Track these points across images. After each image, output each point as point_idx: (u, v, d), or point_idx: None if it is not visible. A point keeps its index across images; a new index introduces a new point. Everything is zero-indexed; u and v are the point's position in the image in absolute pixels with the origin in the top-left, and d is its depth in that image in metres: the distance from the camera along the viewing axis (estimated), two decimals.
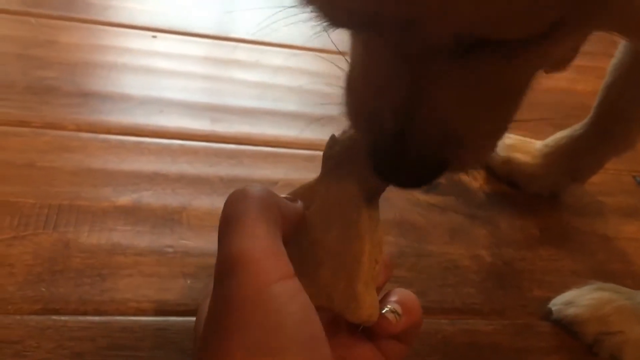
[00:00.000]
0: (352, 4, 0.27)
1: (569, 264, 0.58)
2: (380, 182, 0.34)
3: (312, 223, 0.34)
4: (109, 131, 0.59)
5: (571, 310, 0.49)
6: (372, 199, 0.34)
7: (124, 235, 0.48)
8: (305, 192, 0.36)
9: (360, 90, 0.32)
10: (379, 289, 0.36)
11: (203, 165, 0.58)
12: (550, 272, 0.56)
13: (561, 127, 0.65)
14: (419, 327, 0.36)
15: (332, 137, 0.37)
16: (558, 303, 0.50)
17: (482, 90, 0.30)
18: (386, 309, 0.34)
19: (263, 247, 0.29)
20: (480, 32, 0.26)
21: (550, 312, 0.51)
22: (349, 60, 0.33)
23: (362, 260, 0.32)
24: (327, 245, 0.33)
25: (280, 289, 0.28)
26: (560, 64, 0.43)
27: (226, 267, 0.28)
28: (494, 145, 0.34)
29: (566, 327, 0.50)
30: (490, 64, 0.29)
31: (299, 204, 0.35)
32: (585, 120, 0.61)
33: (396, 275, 0.51)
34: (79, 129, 0.58)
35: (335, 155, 0.36)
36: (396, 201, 0.60)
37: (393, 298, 0.35)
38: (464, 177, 0.65)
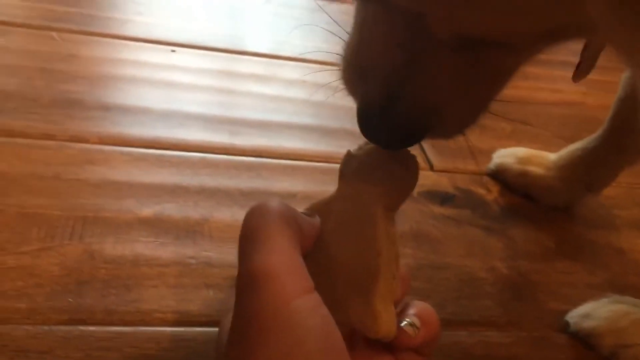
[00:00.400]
0: None
1: (584, 277, 0.58)
2: (398, 198, 0.35)
3: (329, 238, 0.35)
4: (131, 144, 0.60)
5: (588, 323, 0.50)
6: (388, 214, 0.35)
7: (147, 247, 0.49)
8: (322, 207, 0.36)
9: (359, 54, 0.34)
10: (397, 303, 0.37)
11: (223, 177, 0.59)
12: (565, 284, 0.57)
13: (572, 140, 0.66)
14: (437, 340, 0.37)
15: (348, 153, 0.38)
16: (575, 316, 0.51)
17: (472, 76, 0.32)
18: (405, 322, 0.35)
19: (284, 262, 0.29)
20: (482, 34, 0.28)
21: (567, 324, 0.51)
22: (352, 26, 0.35)
23: (378, 276, 0.33)
24: (344, 261, 0.34)
25: (301, 304, 0.28)
26: (583, 73, 0.44)
27: (247, 282, 0.29)
28: (474, 121, 0.36)
29: (583, 340, 0.50)
30: (485, 58, 0.31)
31: (317, 219, 0.36)
32: (598, 132, 0.62)
33: (413, 287, 0.52)
34: (102, 141, 0.60)
35: (352, 170, 0.37)
36: (412, 213, 0.61)
37: (411, 311, 0.35)
38: (479, 190, 0.66)
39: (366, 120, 0.34)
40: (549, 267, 0.58)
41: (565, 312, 0.53)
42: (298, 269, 0.30)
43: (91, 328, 0.42)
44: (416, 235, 0.58)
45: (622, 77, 0.58)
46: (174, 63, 0.76)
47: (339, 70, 0.36)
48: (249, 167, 0.61)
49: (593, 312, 0.50)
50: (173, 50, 0.78)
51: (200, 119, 0.67)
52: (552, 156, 0.65)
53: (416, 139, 0.35)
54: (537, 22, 0.28)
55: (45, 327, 0.42)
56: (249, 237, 0.31)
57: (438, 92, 0.32)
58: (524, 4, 0.27)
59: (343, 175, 0.37)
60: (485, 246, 0.59)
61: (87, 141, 0.59)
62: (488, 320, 0.51)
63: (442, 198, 0.64)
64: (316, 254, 0.34)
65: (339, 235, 0.34)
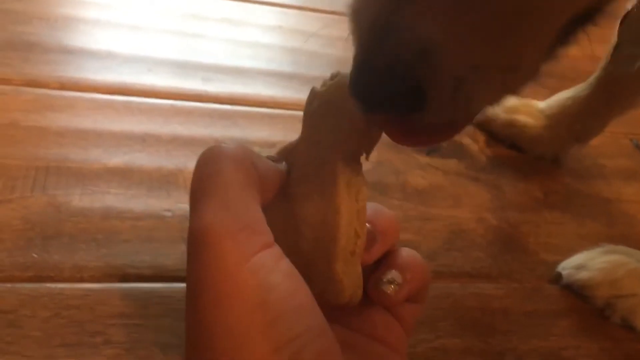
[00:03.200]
0: None
1: (574, 227, 0.57)
2: (361, 142, 0.30)
3: (293, 190, 0.31)
4: (95, 90, 0.56)
5: (582, 275, 0.48)
6: (352, 163, 0.30)
7: (117, 199, 0.46)
8: (289, 152, 0.32)
9: None
10: (372, 258, 0.32)
11: (197, 126, 0.55)
12: (555, 235, 0.55)
13: (557, 91, 0.64)
14: (428, 286, 0.34)
15: (312, 91, 0.32)
16: (568, 267, 0.49)
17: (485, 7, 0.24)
18: (384, 280, 0.31)
19: (239, 216, 0.26)
20: None
21: (559, 276, 0.50)
22: None
23: (338, 236, 0.29)
24: (306, 217, 0.30)
25: (259, 260, 0.25)
26: None
27: (198, 242, 0.25)
28: (496, 91, 0.27)
29: (575, 291, 0.49)
30: None
31: (282, 165, 0.31)
32: (589, 81, 0.60)
33: (403, 239, 0.50)
34: (63, 87, 0.55)
35: (314, 112, 0.32)
36: (397, 164, 0.58)
37: (393, 263, 0.32)
38: (465, 140, 0.64)
39: (354, 80, 0.26)
40: (538, 218, 0.57)
41: (557, 262, 0.51)
42: (255, 223, 0.26)
43: (60, 285, 0.39)
44: (404, 186, 0.55)
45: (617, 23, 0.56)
46: (140, 5, 0.71)
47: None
48: (224, 116, 0.57)
49: (587, 263, 0.49)
50: None
51: (169, 64, 0.62)
52: (540, 105, 0.63)
53: (408, 101, 0.26)
54: None
55: (9, 285, 0.38)
56: (200, 188, 0.27)
57: (433, 27, 0.24)
58: None
59: (306, 117, 0.32)
60: (474, 197, 0.57)
61: (46, 86, 0.54)
62: (480, 272, 0.49)
63: (428, 148, 0.61)
64: (281, 206, 0.30)
65: (301, 187, 0.30)
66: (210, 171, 0.27)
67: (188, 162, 0.51)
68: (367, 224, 0.30)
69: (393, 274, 0.31)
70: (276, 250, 0.26)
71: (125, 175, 0.48)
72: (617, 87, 0.57)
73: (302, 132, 0.32)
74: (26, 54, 0.57)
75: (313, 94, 0.32)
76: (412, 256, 0.33)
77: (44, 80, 0.55)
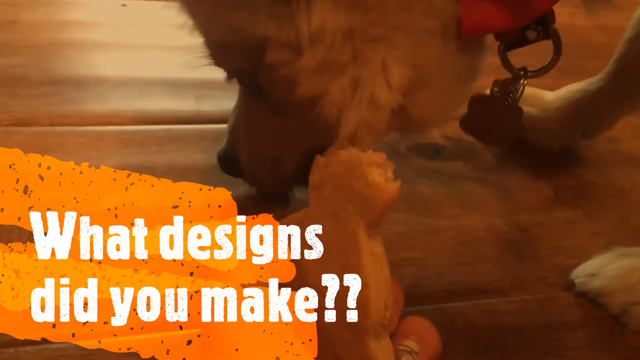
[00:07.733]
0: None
1: (587, 225, 0.55)
2: (379, 209, 0.29)
3: (307, 267, 0.30)
4: (86, 122, 0.54)
5: (596, 282, 0.47)
6: (371, 231, 0.29)
7: None
8: (300, 223, 0.31)
9: None
10: (393, 326, 0.32)
11: (193, 151, 0.54)
12: (568, 236, 0.54)
13: (567, 68, 0.61)
14: (440, 354, 0.33)
15: (317, 160, 0.31)
16: (581, 275, 0.48)
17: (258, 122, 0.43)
18: (403, 352, 0.31)
19: None
20: None
21: (572, 284, 0.48)
22: None
23: (368, 310, 0.28)
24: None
25: None
26: None
27: None
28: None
29: (590, 299, 0.47)
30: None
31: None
32: (601, 74, 0.57)
33: (410, 257, 0.49)
34: (53, 122, 0.54)
35: (322, 183, 0.30)
36: (401, 172, 0.55)
37: (407, 331, 0.32)
38: (470, 138, 0.62)
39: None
40: (549, 218, 0.55)
41: (570, 266, 0.50)
42: None
43: None
44: (408, 197, 0.54)
45: (632, 17, 0.54)
46: (126, 20, 0.69)
47: None
48: (221, 136, 0.56)
49: (600, 270, 0.47)
50: (124, 5, 0.70)
51: (160, 84, 0.61)
52: (548, 95, 0.60)
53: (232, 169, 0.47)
54: None
55: None
56: None
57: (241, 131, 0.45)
58: None
59: (313, 189, 0.31)
60: (482, 201, 0.55)
61: (36, 123, 0.53)
62: (490, 287, 0.48)
63: (432, 151, 0.59)
64: (296, 281, 0.30)
65: (319, 264, 0.29)
66: None
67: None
68: None
69: (410, 343, 0.31)
70: None
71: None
72: (631, 81, 0.55)
73: (311, 204, 0.31)
74: (13, 88, 0.56)
75: (319, 165, 0.31)
76: (425, 324, 0.33)
77: (33, 118, 0.54)
